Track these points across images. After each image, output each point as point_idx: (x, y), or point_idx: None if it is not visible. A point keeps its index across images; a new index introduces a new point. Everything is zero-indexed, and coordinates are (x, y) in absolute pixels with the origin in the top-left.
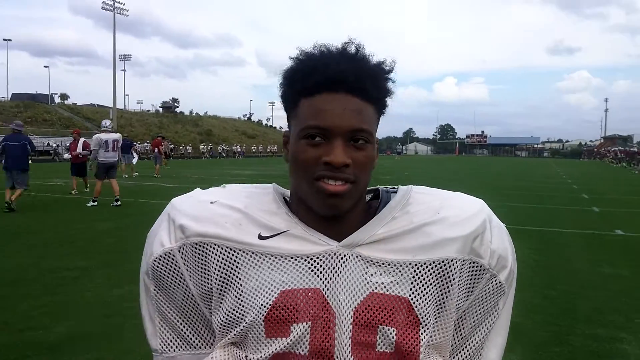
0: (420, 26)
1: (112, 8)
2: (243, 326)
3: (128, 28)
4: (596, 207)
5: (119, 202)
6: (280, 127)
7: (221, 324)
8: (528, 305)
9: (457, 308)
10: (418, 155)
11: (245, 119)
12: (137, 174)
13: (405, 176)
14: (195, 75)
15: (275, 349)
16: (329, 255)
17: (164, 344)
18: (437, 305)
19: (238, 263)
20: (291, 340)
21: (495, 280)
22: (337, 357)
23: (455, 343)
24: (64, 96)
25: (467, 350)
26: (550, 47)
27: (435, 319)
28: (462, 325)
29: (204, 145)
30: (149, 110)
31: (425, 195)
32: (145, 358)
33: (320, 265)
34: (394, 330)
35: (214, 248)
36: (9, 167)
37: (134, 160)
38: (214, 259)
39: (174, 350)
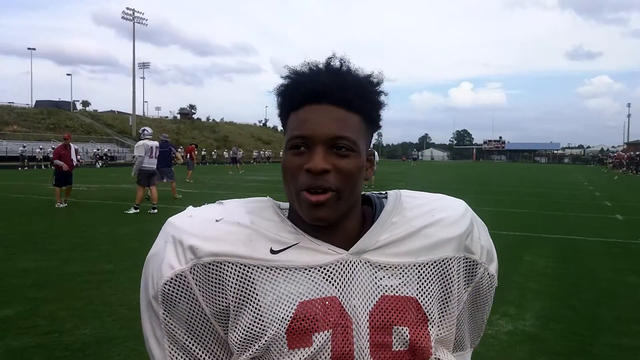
0: (435, 31)
1: (131, 18)
2: (265, 341)
3: (147, 37)
4: (619, 214)
5: (155, 210)
6: None
7: (240, 341)
8: (550, 314)
9: (458, 302)
10: (434, 161)
11: (261, 125)
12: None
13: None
14: (212, 82)
15: (299, 359)
16: (340, 263)
17: None
18: (441, 302)
19: (253, 279)
20: (314, 349)
21: (488, 273)
22: None
23: (457, 335)
24: (85, 103)
25: (467, 337)
26: (569, 52)
27: (440, 314)
28: (462, 317)
29: (215, 151)
30: (167, 117)
31: (415, 199)
32: None
33: (333, 274)
34: (407, 330)
35: (227, 266)
36: None
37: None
38: (229, 277)
39: None
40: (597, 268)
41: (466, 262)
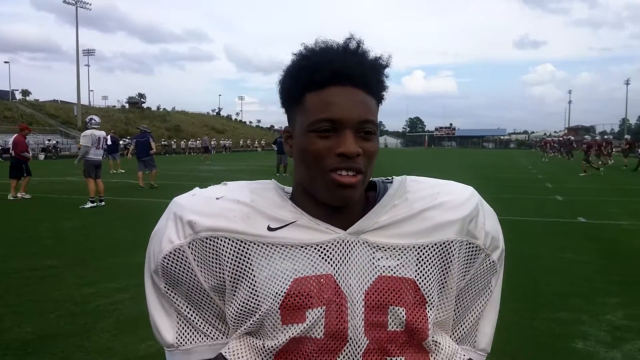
0: (387, 20)
1: (74, 2)
2: (259, 315)
3: (92, 22)
4: (559, 195)
5: (103, 202)
6: (250, 122)
7: (235, 315)
8: None
9: (456, 286)
10: (388, 149)
11: (215, 114)
12: (123, 170)
13: None
14: (162, 70)
15: (292, 334)
16: (338, 242)
17: (180, 337)
18: (440, 284)
19: (250, 254)
20: (307, 325)
21: (489, 260)
22: (350, 339)
23: (455, 319)
24: (25, 92)
25: (465, 327)
26: (516, 41)
27: (439, 297)
28: (461, 302)
29: (165, 141)
30: (114, 106)
31: (420, 183)
32: (115, 357)
33: (330, 253)
34: (403, 310)
35: (224, 241)
36: None
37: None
38: (226, 251)
39: (191, 343)
40: (539, 246)
41: (468, 247)
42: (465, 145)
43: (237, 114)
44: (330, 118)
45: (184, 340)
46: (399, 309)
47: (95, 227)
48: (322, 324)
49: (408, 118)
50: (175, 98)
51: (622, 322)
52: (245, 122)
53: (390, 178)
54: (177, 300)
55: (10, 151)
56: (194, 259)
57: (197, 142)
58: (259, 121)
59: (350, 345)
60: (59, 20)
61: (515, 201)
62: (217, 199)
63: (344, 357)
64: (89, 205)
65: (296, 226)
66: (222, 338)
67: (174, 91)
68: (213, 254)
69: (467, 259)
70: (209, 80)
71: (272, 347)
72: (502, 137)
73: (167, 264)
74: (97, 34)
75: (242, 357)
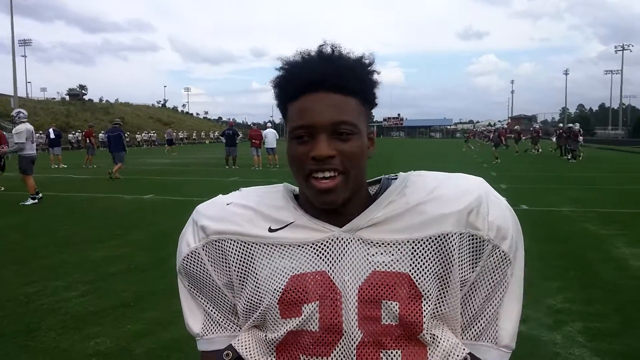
0: (335, 12)
1: None
2: (261, 310)
3: (28, 11)
4: (503, 184)
5: (39, 199)
6: (197, 114)
7: (243, 310)
8: None
9: (461, 281)
10: None
11: (160, 105)
12: (65, 165)
13: None
14: (103, 61)
15: (290, 328)
16: (333, 240)
17: (205, 328)
18: (439, 278)
19: (253, 254)
20: (303, 318)
21: (499, 251)
22: (345, 332)
23: (468, 317)
24: None
25: (481, 323)
26: (460, 32)
27: (439, 291)
28: (473, 298)
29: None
30: (54, 98)
31: (423, 177)
32: (63, 356)
33: (325, 250)
34: (397, 304)
35: (230, 243)
36: None
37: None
38: (232, 252)
39: (212, 334)
40: None
41: (471, 239)
42: (413, 136)
43: (184, 105)
44: (303, 124)
45: (207, 331)
46: (392, 303)
47: (36, 224)
48: (316, 318)
49: None
50: (118, 89)
51: (562, 305)
52: (192, 113)
53: (396, 175)
54: (199, 296)
55: None
56: (208, 260)
57: (152, 134)
58: (206, 113)
59: (345, 338)
60: None
61: None
62: (227, 204)
63: (339, 349)
64: (30, 202)
65: (295, 226)
66: (238, 330)
67: (117, 82)
68: (222, 255)
69: (472, 251)
70: (154, 71)
71: (273, 339)
72: (448, 127)
73: (187, 265)
74: (34, 23)
75: (249, 348)
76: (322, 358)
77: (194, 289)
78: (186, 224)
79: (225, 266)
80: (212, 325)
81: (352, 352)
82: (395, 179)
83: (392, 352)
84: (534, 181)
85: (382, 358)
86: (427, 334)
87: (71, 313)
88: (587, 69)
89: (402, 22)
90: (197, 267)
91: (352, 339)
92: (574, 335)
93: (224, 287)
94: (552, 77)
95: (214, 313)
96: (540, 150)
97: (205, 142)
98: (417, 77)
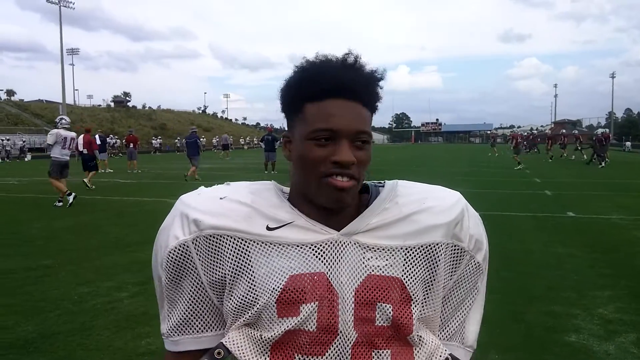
0: (372, 15)
1: (57, 1)
2: (256, 309)
3: (76, 21)
4: (548, 190)
5: (61, 203)
6: (236, 119)
7: (234, 309)
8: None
9: (443, 286)
10: (374, 144)
11: (200, 111)
12: (111, 170)
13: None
14: (147, 69)
15: (287, 327)
16: (331, 242)
17: (170, 329)
18: (425, 284)
19: (249, 252)
20: (301, 318)
21: (474, 261)
22: (341, 332)
23: (442, 319)
24: (10, 92)
25: (453, 325)
26: (501, 35)
27: (424, 295)
28: (448, 302)
29: (154, 140)
30: (100, 105)
31: (410, 188)
32: (116, 354)
33: (324, 252)
34: (390, 307)
35: (226, 239)
36: None
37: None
38: (227, 249)
39: (177, 336)
40: (529, 241)
41: (454, 249)
42: (452, 141)
43: (223, 111)
44: (329, 128)
45: (172, 331)
46: (386, 306)
47: (87, 226)
48: (314, 318)
49: (394, 114)
50: (160, 96)
51: (613, 315)
52: (231, 119)
53: (382, 182)
54: (173, 292)
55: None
56: (197, 255)
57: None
58: (244, 119)
59: (340, 338)
60: (44, 19)
61: (505, 196)
62: (220, 198)
63: (334, 349)
64: (59, 204)
65: (293, 226)
66: (207, 331)
67: (160, 89)
68: (215, 250)
69: (453, 260)
70: (195, 78)
71: (268, 338)
72: (488, 132)
73: (172, 258)
74: (81, 32)
75: (241, 346)
76: (317, 357)
77: (172, 285)
78: (170, 215)
79: (217, 262)
80: (178, 325)
81: (347, 351)
82: (382, 185)
83: (382, 352)
84: (578, 187)
85: (373, 357)
86: (415, 335)
87: (123, 313)
88: (634, 72)
89: (440, 26)
90: (182, 261)
91: (348, 339)
92: (627, 347)
93: (208, 286)
94: (596, 81)
95: (186, 312)
96: (567, 155)
97: (243, 148)
98: (456, 82)
